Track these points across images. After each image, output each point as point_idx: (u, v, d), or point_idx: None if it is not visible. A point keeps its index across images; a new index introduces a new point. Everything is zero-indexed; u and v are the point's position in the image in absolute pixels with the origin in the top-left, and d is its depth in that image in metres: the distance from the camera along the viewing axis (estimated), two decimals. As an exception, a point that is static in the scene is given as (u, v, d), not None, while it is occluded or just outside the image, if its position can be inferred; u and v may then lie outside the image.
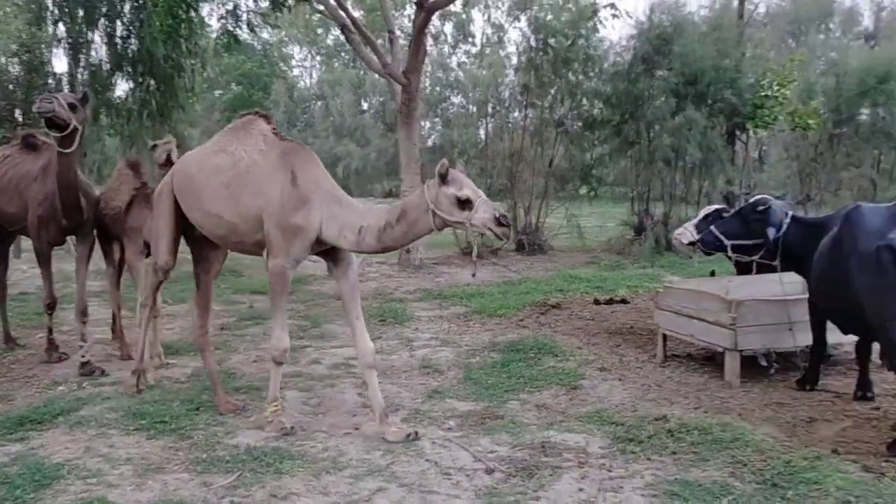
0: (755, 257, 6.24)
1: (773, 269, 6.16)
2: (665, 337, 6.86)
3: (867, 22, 41.03)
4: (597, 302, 9.60)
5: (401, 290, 11.07)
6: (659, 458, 4.57)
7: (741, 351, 6.05)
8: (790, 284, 6.18)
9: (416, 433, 4.97)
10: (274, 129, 5.29)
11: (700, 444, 4.68)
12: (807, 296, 5.86)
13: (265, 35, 39.33)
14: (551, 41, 15.63)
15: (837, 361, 6.65)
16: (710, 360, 6.74)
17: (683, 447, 4.68)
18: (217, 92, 40.88)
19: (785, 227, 6.04)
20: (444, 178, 4.50)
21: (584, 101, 16.75)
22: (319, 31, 36.50)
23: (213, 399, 5.56)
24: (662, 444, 4.74)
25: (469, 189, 4.50)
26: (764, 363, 6.17)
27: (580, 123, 16.80)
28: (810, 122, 15.01)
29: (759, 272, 6.42)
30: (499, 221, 4.43)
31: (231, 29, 14.52)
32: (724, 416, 5.23)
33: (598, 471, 4.40)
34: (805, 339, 6.00)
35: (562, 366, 6.66)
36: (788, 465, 4.30)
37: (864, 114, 17.93)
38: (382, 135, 36.10)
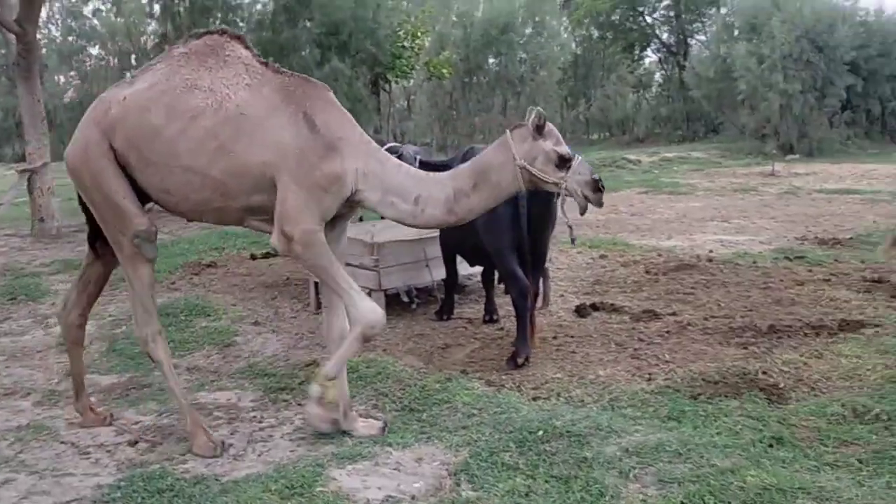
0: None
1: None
2: (317, 285, 7.01)
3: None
4: (253, 257, 9.53)
5: (35, 262, 9.96)
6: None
7: (385, 290, 6.41)
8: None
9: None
10: (256, 55, 4.11)
11: (348, 383, 4.90)
12: (438, 233, 6.36)
13: None
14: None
15: (471, 291, 7.34)
16: (360, 302, 7.04)
17: (332, 388, 4.87)
18: None
19: (415, 170, 6.45)
20: (540, 130, 3.88)
21: (230, 52, 16.33)
22: None
23: None
24: (312, 389, 4.88)
25: (565, 144, 3.95)
26: (406, 299, 6.61)
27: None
28: (444, 71, 16.14)
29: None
30: (596, 185, 3.89)
31: None
32: (370, 353, 5.52)
33: (248, 424, 4.44)
34: (440, 273, 6.53)
35: (215, 325, 6.55)
36: (423, 390, 4.69)
37: (491, 62, 19.69)
38: (8, 91, 31.84)
